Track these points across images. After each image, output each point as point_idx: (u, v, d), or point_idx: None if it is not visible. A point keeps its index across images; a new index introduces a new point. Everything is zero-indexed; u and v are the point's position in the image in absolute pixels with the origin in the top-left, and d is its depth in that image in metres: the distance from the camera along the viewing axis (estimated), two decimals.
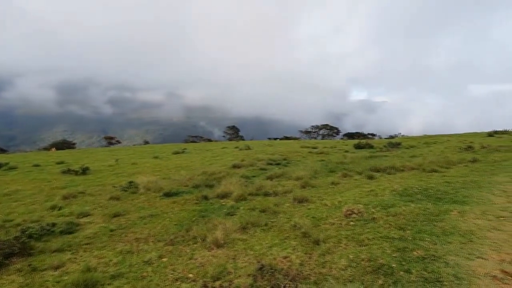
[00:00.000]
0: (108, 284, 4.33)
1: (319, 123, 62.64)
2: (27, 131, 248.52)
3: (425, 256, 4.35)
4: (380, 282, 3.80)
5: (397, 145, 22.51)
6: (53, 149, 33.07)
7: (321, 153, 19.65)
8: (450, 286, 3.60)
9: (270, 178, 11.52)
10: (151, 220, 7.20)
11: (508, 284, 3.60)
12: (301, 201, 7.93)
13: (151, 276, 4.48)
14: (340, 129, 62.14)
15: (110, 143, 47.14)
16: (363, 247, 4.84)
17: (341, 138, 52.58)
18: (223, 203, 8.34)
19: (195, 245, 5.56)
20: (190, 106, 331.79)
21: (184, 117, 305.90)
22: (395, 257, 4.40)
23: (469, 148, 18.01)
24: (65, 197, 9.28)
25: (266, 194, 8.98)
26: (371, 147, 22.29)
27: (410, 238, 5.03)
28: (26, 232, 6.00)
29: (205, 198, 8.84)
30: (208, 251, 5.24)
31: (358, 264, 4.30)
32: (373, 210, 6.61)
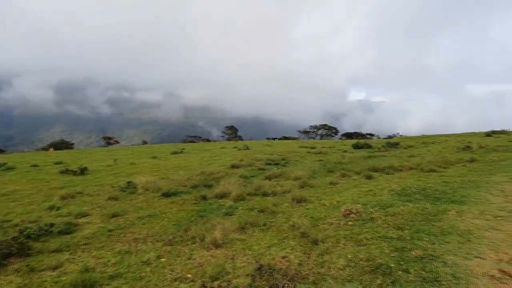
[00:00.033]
0: (107, 284, 4.32)
1: (317, 123, 62.69)
2: (25, 131, 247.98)
3: (423, 256, 4.36)
4: (379, 281, 3.81)
5: (395, 145, 22.54)
6: (51, 149, 32.99)
7: (319, 153, 19.66)
8: (448, 286, 3.61)
9: (268, 178, 11.52)
10: (150, 220, 7.19)
11: (506, 283, 3.61)
12: (299, 201, 7.93)
13: (149, 276, 4.47)
14: (338, 129, 62.18)
15: (109, 143, 47.04)
16: (362, 247, 4.85)
17: (340, 138, 52.62)
18: (222, 203, 8.34)
19: (193, 245, 5.56)
20: (189, 106, 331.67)
21: (182, 117, 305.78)
22: (393, 256, 4.41)
23: (467, 148, 18.04)
24: (63, 197, 9.26)
25: (265, 194, 8.98)
26: (369, 147, 22.32)
27: (408, 238, 5.04)
28: (24, 233, 5.99)
29: (204, 198, 8.83)
30: (207, 251, 5.24)
31: (357, 264, 4.31)
32: (371, 210, 6.62)
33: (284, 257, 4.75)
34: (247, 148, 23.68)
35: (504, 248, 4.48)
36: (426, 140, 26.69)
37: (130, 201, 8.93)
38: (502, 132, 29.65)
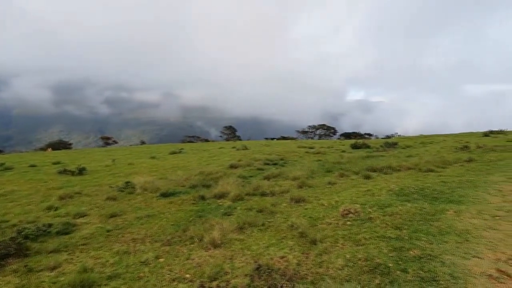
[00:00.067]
0: (105, 284, 4.32)
1: (316, 123, 62.76)
2: (23, 131, 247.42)
3: (421, 256, 4.37)
4: (377, 281, 3.82)
5: (393, 145, 22.57)
6: (50, 150, 32.93)
7: (318, 153, 19.68)
8: (446, 285, 3.61)
9: (267, 178, 11.52)
10: (148, 221, 7.19)
11: (504, 283, 3.62)
12: (298, 201, 7.94)
13: (148, 277, 4.47)
14: (337, 129, 62.28)
15: (107, 143, 46.97)
16: (360, 247, 4.85)
17: (338, 138, 52.68)
18: (220, 203, 8.34)
19: (192, 245, 5.56)
20: (187, 106, 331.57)
21: (181, 117, 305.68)
22: (391, 256, 4.42)
23: (465, 148, 18.08)
24: (61, 198, 9.24)
25: (263, 194, 8.98)
26: (367, 147, 22.35)
27: (407, 238, 5.05)
28: (22, 233, 5.97)
29: (202, 198, 8.83)
30: (205, 251, 5.24)
31: (355, 263, 4.32)
32: (369, 209, 6.63)
33: (282, 257, 4.75)
34: (245, 148, 23.68)
35: (502, 248, 4.49)
36: (424, 140, 26.74)
37: (128, 201, 8.92)
38: (500, 132, 29.72)
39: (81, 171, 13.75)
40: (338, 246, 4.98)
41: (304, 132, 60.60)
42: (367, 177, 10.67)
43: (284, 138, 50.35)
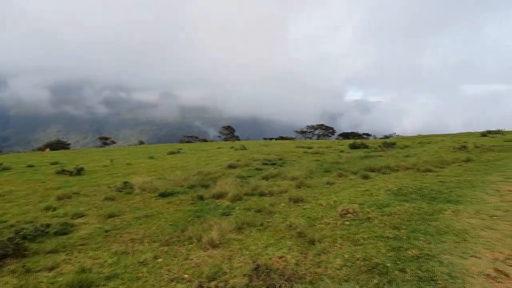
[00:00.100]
0: (103, 285, 4.31)
1: (314, 123, 62.86)
2: (21, 131, 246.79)
3: (419, 255, 4.38)
4: (375, 281, 3.82)
5: (391, 145, 22.62)
6: (47, 150, 32.84)
7: (316, 153, 19.71)
8: (444, 285, 3.62)
9: (265, 178, 11.52)
10: (146, 221, 7.18)
11: (502, 282, 3.64)
12: (296, 201, 7.94)
13: (146, 277, 4.46)
14: (335, 129, 62.36)
15: (105, 144, 46.90)
16: (358, 247, 4.86)
17: (336, 138, 52.76)
18: (219, 203, 8.33)
19: (190, 245, 5.55)
20: (186, 106, 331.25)
21: (179, 117, 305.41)
22: (390, 256, 4.43)
23: (463, 148, 18.14)
24: (59, 198, 9.21)
25: (262, 194, 8.98)
26: (366, 147, 22.39)
27: (405, 238, 5.06)
28: (20, 233, 5.95)
29: (201, 198, 8.82)
30: (204, 251, 5.23)
31: (353, 263, 4.32)
32: (368, 209, 6.64)
33: (281, 257, 4.75)
34: (244, 148, 23.69)
35: (499, 247, 4.51)
36: (422, 140, 26.81)
37: (126, 202, 8.90)
38: (498, 132, 29.84)
39: (79, 171, 13.72)
40: (336, 246, 4.98)
41: (302, 132, 60.66)
42: (366, 177, 10.69)
43: (282, 138, 50.38)
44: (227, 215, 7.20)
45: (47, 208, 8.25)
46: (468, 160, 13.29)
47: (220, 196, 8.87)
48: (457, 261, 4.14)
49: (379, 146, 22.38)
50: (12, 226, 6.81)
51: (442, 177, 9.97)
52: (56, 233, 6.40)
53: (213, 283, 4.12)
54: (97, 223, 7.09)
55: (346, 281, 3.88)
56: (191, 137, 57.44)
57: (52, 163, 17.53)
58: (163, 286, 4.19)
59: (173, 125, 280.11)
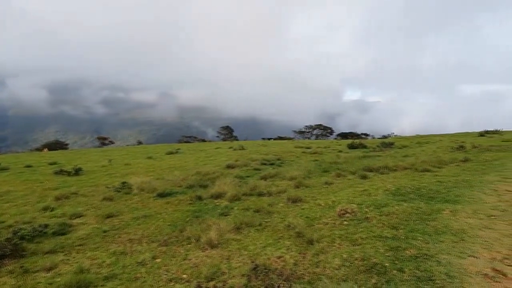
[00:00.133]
0: (101, 285, 4.30)
1: (313, 123, 62.88)
2: (19, 131, 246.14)
3: (417, 255, 4.39)
4: (373, 281, 3.83)
5: (390, 145, 22.66)
6: (46, 150, 32.75)
7: (314, 153, 19.72)
8: (442, 285, 3.63)
9: (264, 178, 11.53)
10: (145, 221, 7.17)
11: (499, 282, 3.65)
12: (295, 201, 7.95)
13: (144, 277, 4.46)
14: (333, 129, 62.41)
15: (103, 144, 46.80)
16: (357, 247, 4.87)
17: (335, 138, 52.80)
18: (217, 203, 8.33)
19: (189, 245, 5.55)
20: (184, 106, 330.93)
21: (177, 117, 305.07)
22: (388, 256, 4.44)
23: (461, 147, 18.19)
24: (57, 198, 9.19)
25: (260, 194, 8.98)
26: (364, 147, 22.42)
27: (403, 237, 5.07)
28: (18, 234, 5.94)
29: (199, 198, 8.82)
30: (202, 251, 5.23)
31: (352, 263, 4.33)
32: (366, 209, 6.65)
33: (279, 257, 4.76)
34: (242, 148, 23.69)
35: (497, 247, 4.52)
36: (420, 140, 26.86)
37: (125, 202, 8.89)
38: (495, 132, 29.92)
39: (77, 172, 13.70)
40: (335, 246, 4.99)
41: (301, 132, 60.69)
42: (364, 177, 10.70)
43: (281, 138, 50.40)
44: (226, 215, 7.20)
45: (45, 209, 8.24)
46: (466, 160, 13.32)
47: (218, 196, 8.87)
48: (455, 261, 4.16)
49: (377, 146, 22.42)
50: (10, 226, 6.79)
51: (440, 177, 9.99)
52: (54, 234, 6.39)
53: (211, 283, 4.12)
54: (95, 224, 7.08)
55: (344, 281, 3.88)
56: (190, 137, 57.40)
57: (50, 163, 17.49)
58: (161, 286, 4.19)
59: (171, 125, 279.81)
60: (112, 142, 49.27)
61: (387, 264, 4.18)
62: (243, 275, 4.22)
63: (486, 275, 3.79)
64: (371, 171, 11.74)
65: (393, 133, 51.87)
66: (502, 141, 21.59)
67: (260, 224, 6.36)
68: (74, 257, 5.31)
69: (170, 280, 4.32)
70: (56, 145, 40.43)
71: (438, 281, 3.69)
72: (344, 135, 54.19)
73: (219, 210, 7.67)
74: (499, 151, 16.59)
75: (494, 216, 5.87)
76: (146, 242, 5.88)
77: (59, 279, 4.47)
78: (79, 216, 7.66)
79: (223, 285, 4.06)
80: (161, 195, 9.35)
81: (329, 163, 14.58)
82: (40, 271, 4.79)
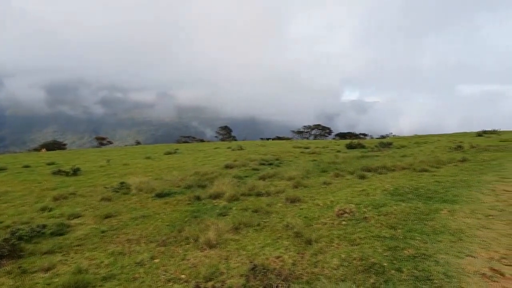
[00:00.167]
0: (100, 286, 4.30)
1: (311, 123, 62.91)
2: (17, 132, 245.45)
3: (416, 255, 4.40)
4: (372, 281, 3.84)
5: (388, 145, 22.68)
6: (44, 150, 32.67)
7: (313, 153, 19.72)
8: (440, 284, 3.64)
9: (262, 178, 11.53)
10: (143, 221, 7.16)
11: (497, 281, 3.66)
12: (293, 201, 7.95)
13: (143, 277, 4.45)
14: (332, 129, 62.47)
15: (102, 144, 46.70)
16: (355, 247, 4.88)
17: (333, 138, 52.84)
18: (216, 204, 8.33)
19: (187, 245, 5.55)
20: (183, 106, 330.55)
21: (176, 117, 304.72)
22: (386, 256, 4.44)
23: (459, 148, 18.22)
24: (55, 198, 9.18)
25: (259, 194, 8.98)
26: (362, 147, 22.44)
27: (401, 237, 5.08)
28: (16, 234, 5.92)
29: (198, 198, 8.81)
30: (201, 251, 5.23)
31: (350, 263, 4.34)
32: (364, 209, 6.66)
33: (278, 257, 4.76)
34: (241, 148, 23.68)
35: (495, 247, 4.54)
36: (418, 140, 26.90)
37: (123, 202, 8.88)
38: (493, 132, 29.98)
39: (75, 172, 13.67)
40: (333, 246, 4.99)
41: (299, 132, 60.71)
42: (362, 177, 10.71)
43: (279, 138, 50.42)
44: (224, 215, 7.20)
45: (43, 209, 8.22)
46: (464, 160, 13.35)
47: (217, 196, 8.87)
48: (453, 261, 4.17)
49: (376, 146, 22.44)
50: (8, 227, 6.78)
51: (438, 177, 10.01)
52: (52, 234, 6.38)
53: (210, 284, 4.12)
54: (93, 224, 7.07)
55: (343, 280, 3.89)
56: (188, 137, 57.37)
57: (48, 164, 17.45)
58: (160, 286, 4.19)
59: (170, 125, 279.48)
60: (110, 142, 49.17)
61: (385, 264, 4.19)
62: (241, 275, 4.22)
63: (484, 274, 3.80)
64: (369, 171, 11.76)
65: (392, 133, 52.04)
66: (500, 141, 21.64)
67: (258, 224, 6.36)
68: (72, 258, 5.30)
69: (169, 280, 4.32)
70: (54, 145, 40.32)
71: (436, 281, 3.70)
72: (342, 135, 54.27)
73: (217, 210, 7.67)
74: (497, 151, 16.63)
75: (492, 216, 5.89)
76: (144, 242, 5.87)
77: (57, 280, 4.46)
78: (77, 216, 7.65)
79: (222, 285, 4.06)
80: (160, 195, 9.34)
81: (328, 163, 14.59)
82: (38, 271, 4.78)
